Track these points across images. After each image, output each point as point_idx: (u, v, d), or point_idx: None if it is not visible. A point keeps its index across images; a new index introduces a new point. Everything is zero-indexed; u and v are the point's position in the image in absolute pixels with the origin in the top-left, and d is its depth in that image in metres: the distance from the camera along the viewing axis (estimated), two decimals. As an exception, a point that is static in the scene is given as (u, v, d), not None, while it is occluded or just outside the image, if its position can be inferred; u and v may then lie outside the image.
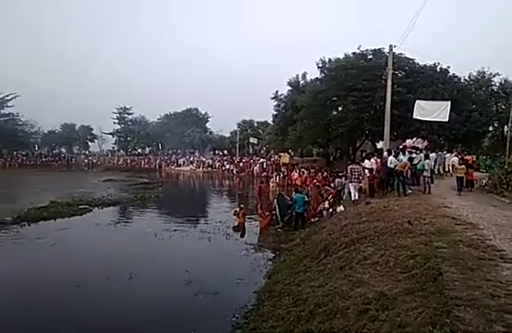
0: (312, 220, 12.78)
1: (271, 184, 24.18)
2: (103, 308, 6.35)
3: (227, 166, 42.79)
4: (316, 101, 27.20)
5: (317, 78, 31.28)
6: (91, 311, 6.21)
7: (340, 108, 28.45)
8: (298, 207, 12.09)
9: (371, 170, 13.82)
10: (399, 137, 23.55)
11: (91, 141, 74.07)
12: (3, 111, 60.83)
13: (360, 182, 13.41)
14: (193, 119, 65.26)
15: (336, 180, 17.26)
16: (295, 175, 25.93)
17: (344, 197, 15.02)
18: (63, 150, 71.69)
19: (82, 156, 63.44)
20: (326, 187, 17.35)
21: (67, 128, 71.15)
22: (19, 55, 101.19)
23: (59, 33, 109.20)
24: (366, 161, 14.46)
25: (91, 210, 16.06)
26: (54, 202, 17.07)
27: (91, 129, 72.32)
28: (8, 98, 60.39)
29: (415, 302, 4.10)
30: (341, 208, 12.51)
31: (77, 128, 71.58)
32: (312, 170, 25.92)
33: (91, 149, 73.09)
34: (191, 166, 48.96)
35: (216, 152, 55.72)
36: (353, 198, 12.86)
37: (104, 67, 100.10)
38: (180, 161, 52.47)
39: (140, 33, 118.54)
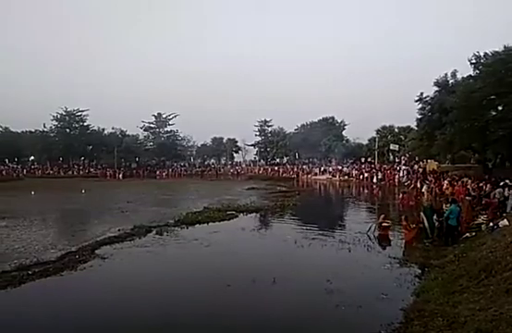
0: (468, 235, 11.33)
1: (425, 193, 22.45)
2: (250, 308, 6.77)
3: (365, 175, 41.30)
4: (469, 101, 24.21)
5: (470, 75, 27.83)
6: (239, 310, 6.70)
7: (500, 108, 24.73)
8: (452, 220, 10.87)
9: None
10: None
11: (236, 152, 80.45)
12: (166, 129, 71.70)
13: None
14: (329, 128, 65.07)
15: (497, 190, 14.99)
16: (445, 184, 23.46)
17: (508, 209, 12.94)
18: (212, 161, 79.75)
19: (228, 166, 69.50)
20: (485, 198, 15.22)
21: (216, 141, 79.11)
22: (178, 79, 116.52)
23: (202, 49, 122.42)
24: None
25: (237, 216, 17.39)
26: (206, 207, 19.17)
27: (236, 142, 78.76)
28: (170, 117, 71.05)
29: None
30: (505, 222, 10.78)
31: (224, 141, 78.91)
32: (466, 179, 23.04)
33: (235, 159, 79.46)
34: (328, 174, 48.82)
35: (354, 160, 54.31)
36: (521, 211, 10.98)
37: (247, 84, 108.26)
38: (316, 170, 52.86)
39: (284, 46, 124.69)
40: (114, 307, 6.89)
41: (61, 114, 66.44)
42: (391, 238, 12.26)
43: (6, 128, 69.59)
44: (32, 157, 66.92)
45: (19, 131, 69.98)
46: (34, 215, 17.22)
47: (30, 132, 69.87)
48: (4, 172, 56.68)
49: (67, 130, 66.45)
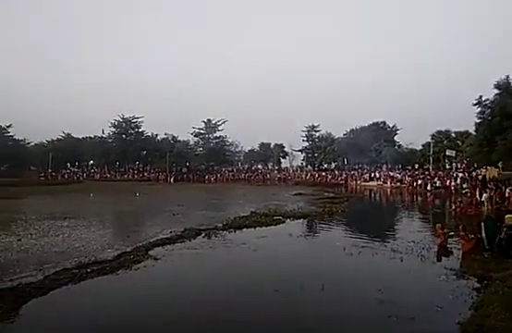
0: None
1: (485, 202, 21.14)
2: (298, 313, 6.71)
3: (419, 182, 39.60)
4: (534, 104, 22.61)
5: (535, 76, 26.04)
6: (287, 315, 6.67)
7: None
8: (514, 231, 10.13)
9: None
10: None
11: (283, 157, 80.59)
12: (215, 134, 73.44)
13: None
14: (380, 133, 63.25)
15: None
16: (506, 192, 21.93)
17: None
18: (259, 166, 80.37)
19: (275, 172, 69.64)
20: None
21: (263, 146, 79.83)
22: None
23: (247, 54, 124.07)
24: None
25: (284, 221, 17.34)
26: (254, 212, 19.31)
27: (283, 147, 78.94)
28: (219, 123, 72.74)
29: None
30: None
31: (271, 146, 79.30)
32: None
33: (282, 165, 79.54)
34: (378, 181, 47.39)
35: (411, 166, 52.14)
36: None
37: (294, 93, 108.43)
38: (366, 176, 51.48)
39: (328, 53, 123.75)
40: (167, 305, 7.12)
41: (118, 121, 70.40)
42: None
43: (69, 134, 75.00)
44: (92, 161, 71.39)
45: (80, 137, 75.05)
46: (93, 216, 18.31)
47: (90, 138, 74.72)
48: (66, 175, 60.97)
49: (124, 136, 70.29)
